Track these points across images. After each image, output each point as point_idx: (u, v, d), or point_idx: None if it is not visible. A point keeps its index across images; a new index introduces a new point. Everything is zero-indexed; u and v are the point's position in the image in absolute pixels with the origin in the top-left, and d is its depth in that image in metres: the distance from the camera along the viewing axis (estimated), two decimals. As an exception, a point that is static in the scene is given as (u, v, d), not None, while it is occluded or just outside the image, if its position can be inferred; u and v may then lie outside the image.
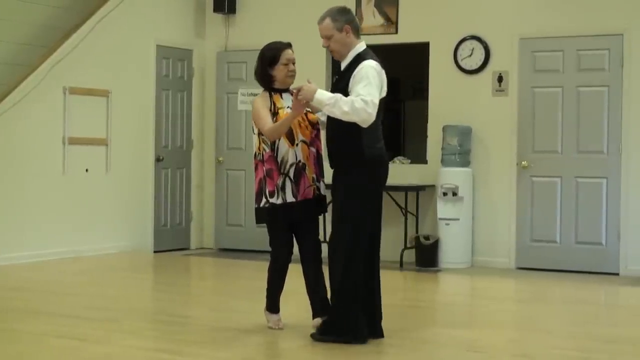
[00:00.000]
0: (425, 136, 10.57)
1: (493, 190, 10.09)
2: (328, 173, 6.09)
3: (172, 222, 11.34)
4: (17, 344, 5.92)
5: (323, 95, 5.77)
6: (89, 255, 10.17)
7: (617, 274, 9.50)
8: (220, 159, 11.57)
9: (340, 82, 5.92)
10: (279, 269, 6.23)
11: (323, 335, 5.91)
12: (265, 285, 6.34)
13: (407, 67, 12.35)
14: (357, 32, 5.97)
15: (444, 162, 10.01)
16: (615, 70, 9.59)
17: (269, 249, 6.28)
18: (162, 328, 6.57)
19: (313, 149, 6.15)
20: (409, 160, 10.74)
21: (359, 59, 5.85)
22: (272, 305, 6.33)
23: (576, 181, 9.77)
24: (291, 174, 6.06)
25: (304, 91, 5.82)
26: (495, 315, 7.39)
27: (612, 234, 9.60)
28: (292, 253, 6.22)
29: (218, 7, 11.38)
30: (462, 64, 10.24)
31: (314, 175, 6.14)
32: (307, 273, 6.19)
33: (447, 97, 10.31)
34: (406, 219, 10.08)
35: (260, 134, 6.10)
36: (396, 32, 10.59)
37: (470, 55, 10.20)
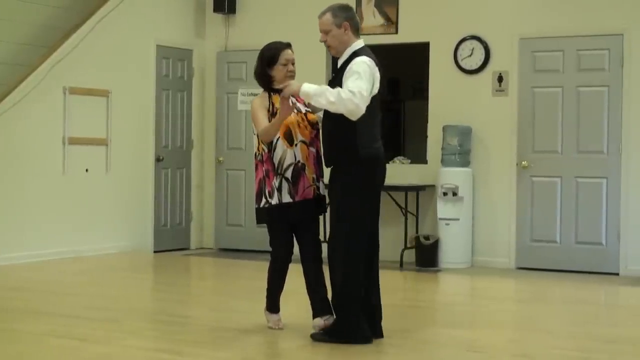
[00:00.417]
0: (425, 136, 10.57)
1: (493, 190, 10.09)
2: (327, 173, 6.09)
3: (172, 222, 11.34)
4: (17, 344, 5.92)
5: (310, 87, 5.78)
6: (89, 255, 10.17)
7: (617, 274, 9.50)
8: (220, 159, 11.57)
9: (335, 79, 5.93)
10: (279, 269, 6.23)
11: (330, 337, 5.90)
12: (265, 285, 6.33)
13: (407, 67, 12.36)
14: (357, 31, 5.97)
15: (444, 162, 10.01)
16: (615, 70, 9.59)
17: (269, 249, 6.28)
18: (162, 328, 6.56)
19: (313, 149, 6.14)
20: (409, 160, 10.74)
21: (354, 56, 5.84)
22: (272, 305, 6.33)
23: (576, 181, 9.77)
24: (288, 175, 6.05)
25: (289, 86, 5.84)
26: (495, 315, 7.39)
27: (612, 234, 9.60)
28: (292, 253, 6.22)
29: (218, 7, 11.38)
30: (462, 64, 10.24)
31: (314, 176, 6.14)
32: (307, 273, 6.19)
33: (447, 97, 10.31)
34: (406, 219, 10.08)
35: (258, 134, 6.12)
36: (396, 32, 10.59)
37: (470, 55, 10.20)
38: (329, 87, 5.76)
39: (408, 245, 10.08)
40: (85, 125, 10.24)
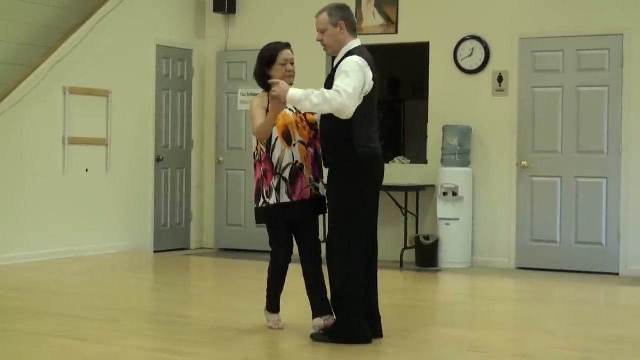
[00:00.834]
0: (425, 136, 10.57)
1: (493, 190, 10.09)
2: (327, 173, 6.09)
3: (172, 222, 11.34)
4: (17, 344, 5.92)
5: (295, 92, 5.79)
6: (89, 255, 10.17)
7: (617, 274, 9.50)
8: (220, 159, 11.57)
9: (330, 79, 5.92)
10: (278, 269, 6.24)
11: (330, 337, 5.90)
12: (265, 285, 6.34)
13: (407, 67, 12.36)
14: (353, 31, 5.96)
15: (444, 162, 10.01)
16: (615, 70, 9.59)
17: (269, 249, 6.28)
18: (162, 328, 6.57)
19: (311, 150, 6.14)
20: (409, 160, 10.74)
21: (347, 56, 5.84)
22: (272, 305, 6.33)
23: (576, 181, 9.77)
24: (286, 175, 6.06)
25: (280, 87, 5.85)
26: (495, 315, 7.39)
27: (612, 234, 9.60)
28: (291, 253, 6.22)
29: (218, 7, 11.38)
30: (462, 64, 10.24)
31: (312, 176, 6.14)
32: (307, 273, 6.19)
33: (447, 97, 10.31)
34: (406, 219, 10.08)
35: (258, 134, 6.12)
36: (396, 32, 10.59)
37: (470, 55, 10.20)
38: (314, 90, 5.74)
39: (408, 245, 10.08)
40: (85, 125, 10.24)
